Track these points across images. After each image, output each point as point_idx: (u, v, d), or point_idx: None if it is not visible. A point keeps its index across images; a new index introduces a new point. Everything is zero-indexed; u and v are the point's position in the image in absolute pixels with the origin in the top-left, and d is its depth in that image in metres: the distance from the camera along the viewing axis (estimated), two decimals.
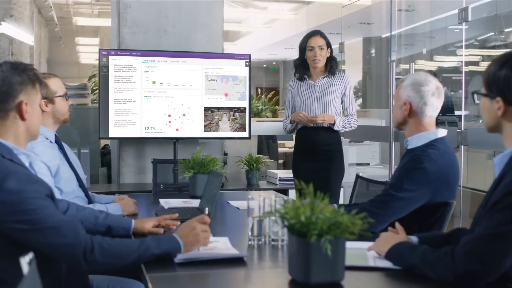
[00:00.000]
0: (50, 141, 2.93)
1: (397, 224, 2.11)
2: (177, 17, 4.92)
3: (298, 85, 4.28)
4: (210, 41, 5.00)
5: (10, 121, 1.95)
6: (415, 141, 2.56)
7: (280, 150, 7.78)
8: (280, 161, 7.46)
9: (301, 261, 1.67)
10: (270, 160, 6.29)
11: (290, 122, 4.26)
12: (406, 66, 8.06)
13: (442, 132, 2.56)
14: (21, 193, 1.80)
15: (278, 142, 7.78)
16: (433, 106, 2.53)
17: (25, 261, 1.33)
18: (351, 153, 6.66)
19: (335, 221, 1.63)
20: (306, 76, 4.24)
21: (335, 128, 4.09)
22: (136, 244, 1.95)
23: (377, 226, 2.41)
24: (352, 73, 11.65)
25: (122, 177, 4.87)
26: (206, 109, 4.59)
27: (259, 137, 7.29)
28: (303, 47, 4.19)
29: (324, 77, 4.19)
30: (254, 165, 4.80)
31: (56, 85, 2.99)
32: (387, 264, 1.91)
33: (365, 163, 6.80)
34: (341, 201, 4.35)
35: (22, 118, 1.97)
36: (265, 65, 20.16)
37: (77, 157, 4.36)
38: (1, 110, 1.93)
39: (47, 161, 2.76)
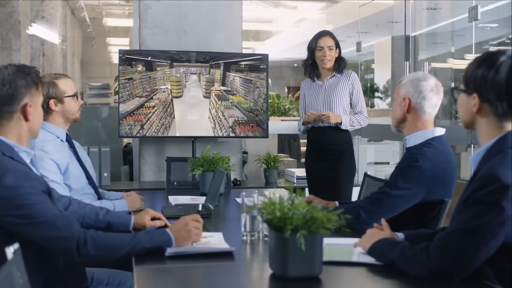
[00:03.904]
0: (61, 140, 3.03)
1: (383, 221, 2.15)
2: (197, 17, 4.98)
3: (309, 85, 4.33)
4: (229, 41, 5.05)
5: (15, 121, 2.06)
6: (413, 139, 2.59)
7: (303, 149, 7.79)
8: (302, 160, 7.47)
9: (279, 255, 1.73)
10: (289, 159, 6.31)
11: (303, 124, 4.28)
12: (434, 65, 8.00)
13: (439, 131, 2.58)
14: (18, 189, 1.91)
15: (301, 141, 7.79)
16: (432, 102, 2.54)
17: (10, 251, 1.42)
18: (369, 152, 6.62)
19: (311, 217, 1.68)
20: (315, 76, 4.27)
21: (343, 127, 4.08)
22: (128, 238, 2.04)
23: (371, 223, 2.44)
24: (382, 72, 11.59)
25: (143, 175, 4.96)
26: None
27: (280, 135, 7.32)
28: (313, 47, 4.20)
29: (332, 76, 4.21)
30: (272, 163, 4.85)
31: (66, 85, 3.03)
32: (370, 260, 1.94)
33: (385, 162, 6.75)
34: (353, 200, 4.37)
35: (26, 119, 2.07)
36: (295, 64, 20.17)
37: (98, 156, 4.50)
38: (7, 112, 2.04)
39: (56, 159, 2.88)
